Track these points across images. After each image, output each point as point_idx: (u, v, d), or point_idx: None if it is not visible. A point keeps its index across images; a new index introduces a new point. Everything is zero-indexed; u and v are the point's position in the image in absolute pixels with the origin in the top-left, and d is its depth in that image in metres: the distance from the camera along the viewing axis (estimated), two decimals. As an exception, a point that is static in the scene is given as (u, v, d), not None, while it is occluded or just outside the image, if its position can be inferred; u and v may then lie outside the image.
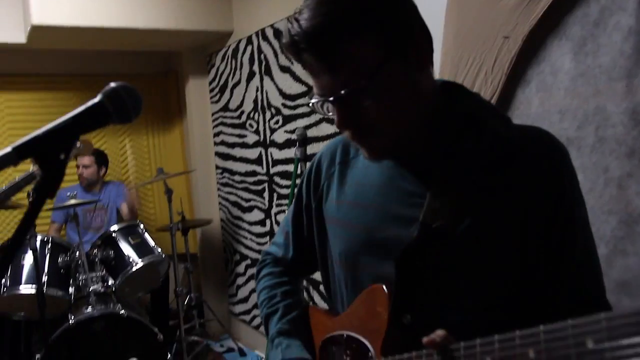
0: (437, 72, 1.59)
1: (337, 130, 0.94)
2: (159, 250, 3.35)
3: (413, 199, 0.95)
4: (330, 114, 0.91)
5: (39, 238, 3.04)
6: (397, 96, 0.88)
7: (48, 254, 3.04)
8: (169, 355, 3.16)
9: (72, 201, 3.04)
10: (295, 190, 1.22)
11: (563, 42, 1.30)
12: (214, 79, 4.10)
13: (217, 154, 4.17)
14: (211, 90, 4.16)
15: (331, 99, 0.87)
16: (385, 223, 0.99)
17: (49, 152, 0.74)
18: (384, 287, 0.96)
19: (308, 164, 1.19)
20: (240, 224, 3.93)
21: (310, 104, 0.93)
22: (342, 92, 0.85)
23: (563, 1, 1.28)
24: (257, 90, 3.50)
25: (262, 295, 1.23)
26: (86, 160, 3.84)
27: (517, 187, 0.90)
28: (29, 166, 2.50)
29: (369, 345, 0.98)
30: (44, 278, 2.95)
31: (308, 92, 2.94)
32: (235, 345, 3.86)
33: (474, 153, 0.92)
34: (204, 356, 3.83)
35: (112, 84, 0.80)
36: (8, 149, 0.72)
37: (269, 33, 3.30)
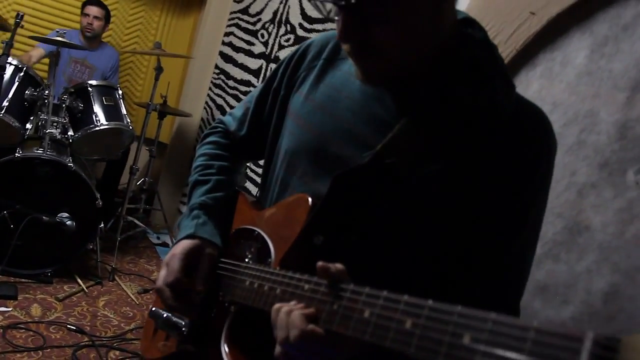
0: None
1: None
2: (129, 121, 3.26)
3: (380, 127, 0.88)
4: (334, 18, 0.80)
5: (14, 62, 2.93)
6: (415, 21, 0.78)
7: (17, 82, 2.93)
8: (102, 224, 3.13)
9: (60, 39, 2.91)
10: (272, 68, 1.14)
11: (586, 36, 1.23)
12: (244, -22, 3.94)
13: (221, 54, 4.05)
14: (237, -11, 4.00)
15: (342, 2, 0.75)
16: (342, 139, 0.92)
17: None
18: (309, 199, 0.91)
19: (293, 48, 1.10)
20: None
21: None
22: None
23: (602, -5, 1.20)
24: (280, 2, 3.36)
25: (199, 160, 1.17)
26: (97, 11, 3.71)
27: (490, 157, 0.84)
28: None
29: (272, 251, 0.94)
30: (5, 103, 2.86)
31: (327, 20, 2.83)
32: (170, 242, 3.85)
33: (462, 106, 0.84)
34: (137, 240, 3.81)
35: None
36: None
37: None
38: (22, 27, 2.85)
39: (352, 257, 0.79)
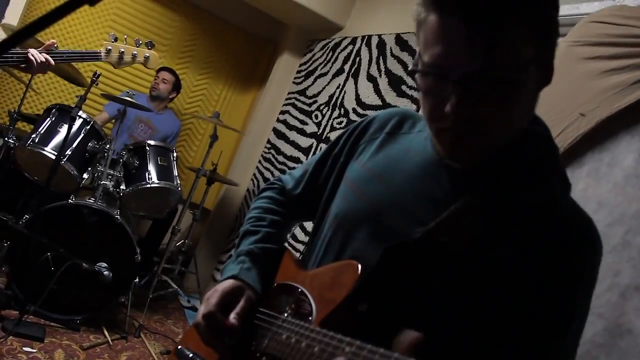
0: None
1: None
2: (179, 182, 3.39)
3: (435, 204, 0.89)
4: (431, 90, 0.81)
5: (83, 116, 3.13)
6: (521, 105, 0.79)
7: (83, 134, 3.12)
8: (137, 279, 3.18)
9: (128, 98, 3.12)
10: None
11: (635, 139, 1.24)
12: (305, 63, 4.16)
13: (274, 130, 4.21)
14: (298, 72, 4.22)
15: (461, 74, 0.75)
16: (396, 211, 0.94)
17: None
18: (359, 266, 0.91)
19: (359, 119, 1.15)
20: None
21: (417, 70, 0.82)
22: (490, 72, 0.73)
23: (654, 103, 1.22)
24: (337, 87, 3.52)
25: (253, 212, 1.20)
26: (167, 76, 3.99)
27: (540, 253, 0.84)
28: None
29: (315, 311, 0.94)
30: (68, 152, 3.03)
31: (382, 107, 2.92)
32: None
33: (519, 199, 0.85)
34: (168, 301, 3.83)
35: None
36: None
37: (374, 41, 3.32)
38: (96, 85, 3.07)
39: (393, 330, 0.78)
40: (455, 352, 0.87)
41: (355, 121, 1.20)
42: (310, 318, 0.93)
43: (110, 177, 3.16)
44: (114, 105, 3.85)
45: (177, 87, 4.10)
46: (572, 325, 0.87)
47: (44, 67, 2.30)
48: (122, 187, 3.23)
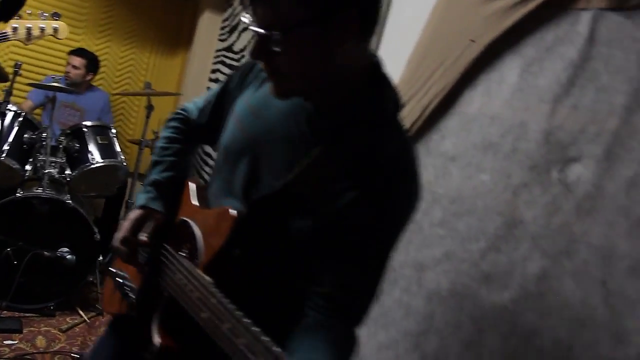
0: (405, 59, 1.69)
1: None
2: (122, 157, 3.43)
3: (295, 146, 1.05)
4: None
5: (13, 108, 3.11)
6: (305, 58, 0.94)
7: (16, 127, 3.11)
8: (100, 257, 3.27)
9: (54, 84, 3.10)
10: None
11: (516, 58, 1.41)
12: (227, 18, 4.16)
13: (208, 90, 4.24)
14: (222, 28, 4.22)
15: (252, 28, 0.93)
16: (267, 148, 1.09)
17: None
18: (233, 214, 1.05)
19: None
20: (208, 161, 4.02)
21: (244, 17, 0.99)
22: (260, 30, 0.91)
23: (527, 23, 1.38)
24: (261, 40, 3.57)
25: (160, 142, 1.34)
26: (76, 61, 3.89)
27: (365, 197, 0.99)
28: None
29: (200, 255, 1.08)
30: (6, 147, 3.03)
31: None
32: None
33: (355, 149, 1.01)
34: (136, 272, 3.93)
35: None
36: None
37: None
38: (20, 75, 3.03)
39: (261, 269, 0.99)
40: (313, 288, 1.03)
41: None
42: (197, 261, 1.08)
43: (53, 164, 3.18)
44: (38, 93, 3.79)
45: (92, 67, 3.98)
46: (388, 256, 1.04)
47: None
48: (68, 172, 3.26)
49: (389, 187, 1.00)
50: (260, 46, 0.94)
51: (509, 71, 1.43)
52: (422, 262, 1.45)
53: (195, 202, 1.24)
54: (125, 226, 1.20)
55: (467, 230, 1.36)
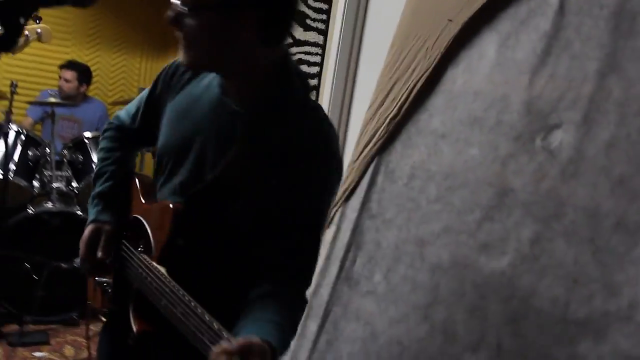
0: (389, 43, 1.74)
1: None
2: (126, 164, 3.49)
3: (221, 142, 1.16)
4: None
5: (14, 127, 3.18)
6: (203, 37, 1.10)
7: (20, 145, 3.18)
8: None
9: (52, 99, 3.17)
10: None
11: (493, 33, 1.46)
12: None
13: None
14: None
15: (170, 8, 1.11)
16: (199, 147, 1.19)
17: (12, 14, 0.88)
18: (172, 208, 1.17)
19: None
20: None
21: None
22: (175, 1, 1.08)
23: (502, -2, 1.43)
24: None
25: (99, 154, 1.44)
26: (68, 74, 3.95)
27: (289, 177, 1.12)
28: None
29: (153, 249, 1.20)
30: (12, 166, 3.10)
31: (294, 45, 3.06)
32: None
33: (275, 137, 1.14)
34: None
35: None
36: (-26, 7, 0.86)
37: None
38: (16, 93, 3.10)
39: (206, 256, 1.10)
40: (245, 264, 1.16)
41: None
42: (151, 254, 1.19)
43: (59, 178, 3.26)
44: (36, 109, 3.85)
45: (84, 78, 4.05)
46: (321, 221, 1.18)
47: None
48: (74, 184, 3.34)
49: (307, 161, 1.13)
50: (172, 15, 1.10)
51: (487, 47, 1.47)
52: (422, 237, 1.52)
53: (143, 199, 1.35)
54: (81, 248, 1.31)
55: (461, 204, 1.43)
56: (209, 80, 1.26)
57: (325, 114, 1.29)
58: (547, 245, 1.19)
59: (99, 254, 1.29)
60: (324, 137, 1.18)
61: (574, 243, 1.16)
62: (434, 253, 1.45)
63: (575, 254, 1.15)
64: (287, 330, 1.08)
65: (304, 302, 1.18)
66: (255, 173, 1.13)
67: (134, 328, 1.19)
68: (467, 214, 1.37)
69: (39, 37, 2.80)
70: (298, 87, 1.19)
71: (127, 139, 1.44)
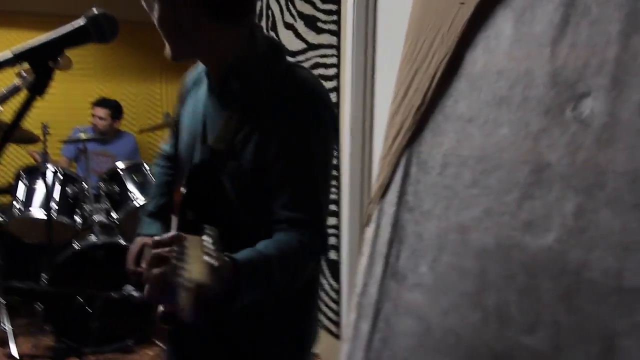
0: (402, 35, 1.73)
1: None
2: (161, 189, 3.57)
3: (217, 116, 1.28)
4: None
5: (51, 167, 3.27)
6: (165, 28, 1.24)
7: (59, 183, 3.28)
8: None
9: (82, 135, 3.25)
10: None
11: (507, 11, 1.44)
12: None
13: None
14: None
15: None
16: (204, 132, 1.32)
17: (41, 59, 0.92)
18: (182, 189, 1.28)
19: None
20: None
21: None
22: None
23: (511, -26, 1.41)
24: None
25: (154, 181, 1.65)
26: (101, 112, 4.07)
27: (274, 132, 1.20)
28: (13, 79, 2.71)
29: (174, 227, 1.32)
30: (54, 205, 3.20)
31: (308, 50, 3.08)
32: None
33: (255, 100, 1.22)
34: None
35: (94, 10, 0.98)
36: (8, 53, 0.90)
37: (277, -10, 3.42)
38: (49, 134, 3.19)
39: (215, 223, 1.10)
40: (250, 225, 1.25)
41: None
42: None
43: (99, 210, 3.34)
44: (69, 147, 3.96)
45: (116, 114, 4.17)
46: (313, 168, 1.23)
47: None
48: (114, 215, 3.42)
49: (284, 116, 1.20)
50: (153, 6, 1.22)
51: (503, 24, 1.46)
52: (463, 224, 1.51)
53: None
54: (127, 262, 1.44)
55: (499, 185, 1.41)
56: (203, 74, 1.40)
57: (307, 73, 1.35)
58: (592, 217, 1.17)
59: (139, 268, 1.40)
60: (294, 89, 1.24)
61: (620, 210, 1.14)
62: (478, 238, 1.44)
63: (622, 221, 1.13)
64: (268, 259, 1.12)
65: (310, 247, 1.21)
66: (239, 138, 1.22)
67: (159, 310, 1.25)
68: (506, 194, 1.36)
69: (60, 66, 2.88)
70: (264, 52, 1.27)
71: (172, 163, 1.59)
